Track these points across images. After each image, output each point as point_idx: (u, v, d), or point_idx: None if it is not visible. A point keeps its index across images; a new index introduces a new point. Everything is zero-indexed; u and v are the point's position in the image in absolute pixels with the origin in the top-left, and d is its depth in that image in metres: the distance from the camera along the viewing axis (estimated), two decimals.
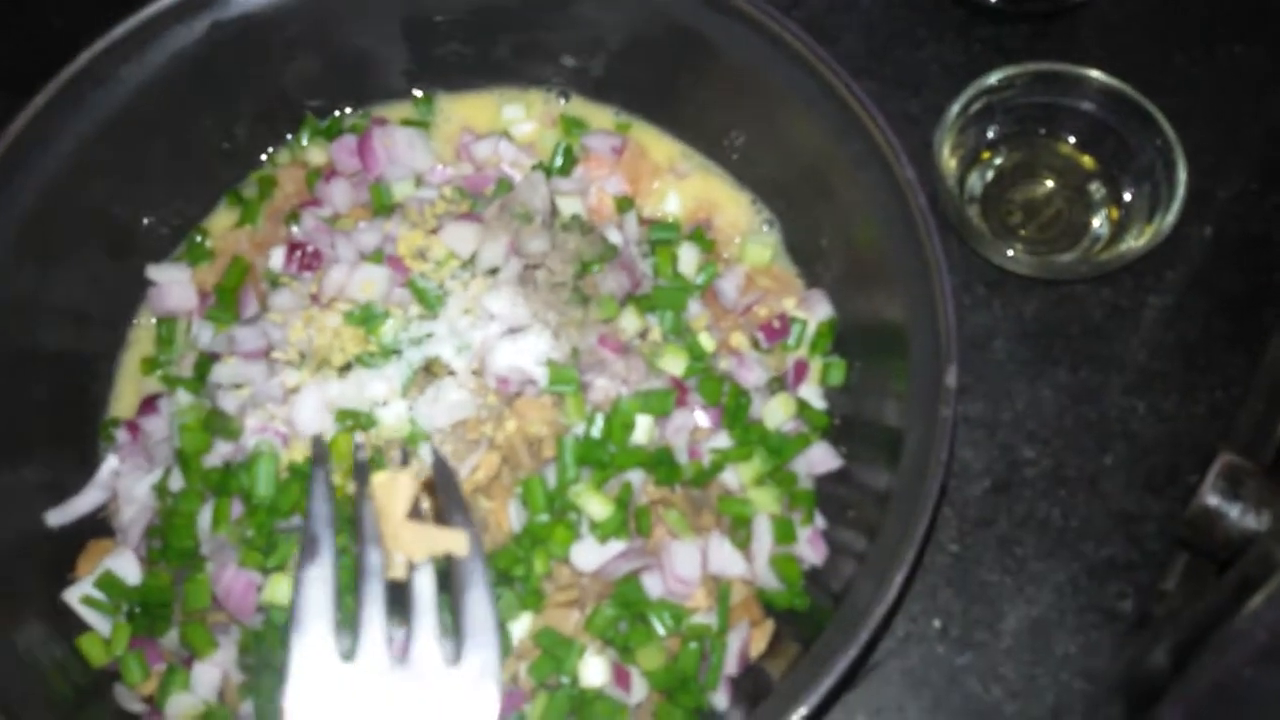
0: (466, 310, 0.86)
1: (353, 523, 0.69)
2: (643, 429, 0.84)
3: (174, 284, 0.96)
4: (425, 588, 0.66)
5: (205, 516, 0.81)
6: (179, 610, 0.82)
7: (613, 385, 0.85)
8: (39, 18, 1.17)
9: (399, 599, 0.66)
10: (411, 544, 0.65)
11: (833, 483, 0.91)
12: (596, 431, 0.82)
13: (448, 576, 0.67)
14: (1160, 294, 1.06)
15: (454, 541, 0.65)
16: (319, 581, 0.64)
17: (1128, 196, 1.07)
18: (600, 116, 1.05)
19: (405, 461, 0.79)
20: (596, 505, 0.80)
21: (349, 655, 0.64)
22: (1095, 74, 1.06)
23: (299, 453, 0.81)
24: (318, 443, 0.75)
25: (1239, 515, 0.63)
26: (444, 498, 0.70)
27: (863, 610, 0.74)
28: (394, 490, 0.65)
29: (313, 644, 0.63)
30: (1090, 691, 0.91)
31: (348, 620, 0.69)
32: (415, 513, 0.66)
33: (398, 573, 0.66)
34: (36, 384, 0.90)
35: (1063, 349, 1.04)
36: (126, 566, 0.84)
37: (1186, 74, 1.14)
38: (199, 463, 0.83)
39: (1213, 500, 0.64)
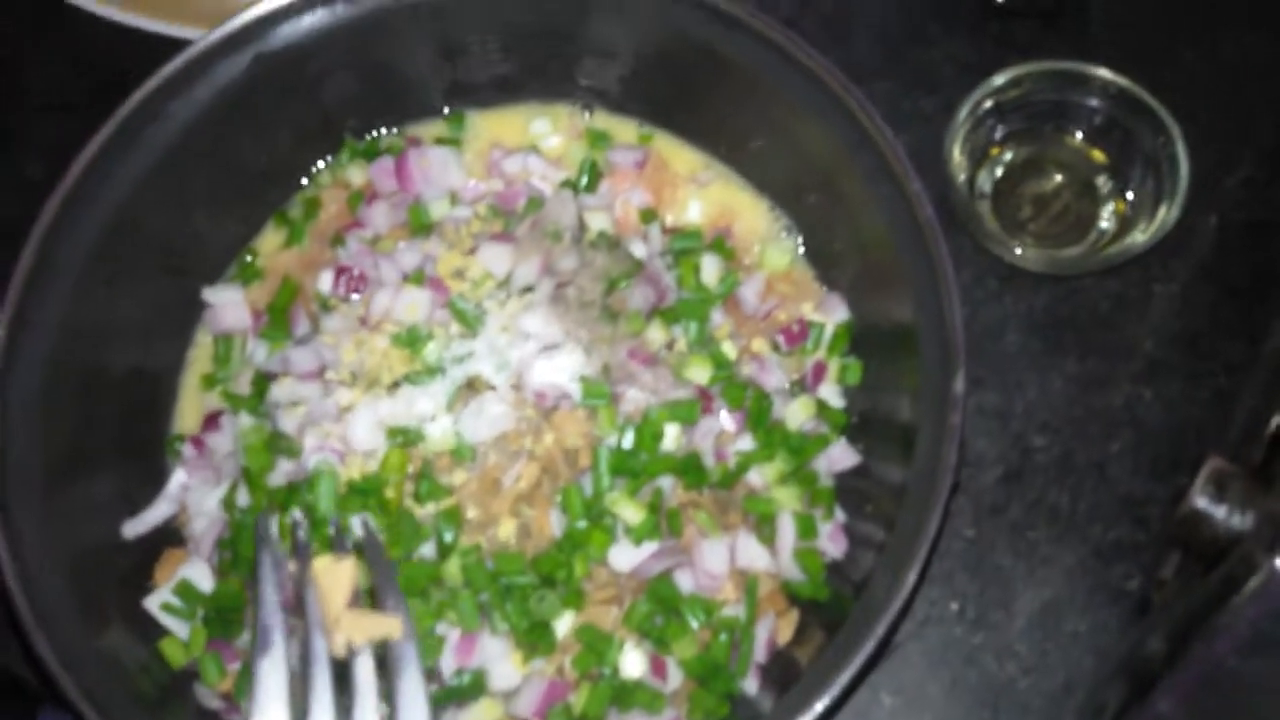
0: (504, 329, 0.92)
1: (299, 603, 0.75)
2: (671, 436, 0.90)
3: (228, 304, 1.02)
4: (365, 674, 0.72)
5: (272, 530, 0.88)
6: (250, 614, 0.89)
7: (642, 395, 0.91)
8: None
9: (344, 675, 0.72)
10: (350, 629, 0.72)
11: (852, 478, 0.96)
12: (628, 442, 0.88)
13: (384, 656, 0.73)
14: (1166, 283, 1.10)
15: (388, 627, 0.71)
16: (274, 671, 0.71)
17: (1134, 190, 1.11)
18: (624, 128, 1.10)
19: (339, 537, 0.84)
20: (630, 511, 0.86)
21: None
22: (1101, 71, 1.10)
23: (355, 468, 0.88)
24: (261, 522, 0.81)
25: (1225, 516, 0.68)
26: (377, 578, 0.75)
27: (882, 597, 0.80)
28: (335, 577, 0.71)
29: None
30: (1098, 667, 0.97)
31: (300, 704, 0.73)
32: (354, 599, 0.72)
33: (339, 652, 0.72)
34: (105, 402, 0.97)
35: (1072, 340, 1.08)
36: (200, 575, 0.90)
37: (1193, 66, 1.16)
38: (263, 480, 0.89)
39: (1200, 503, 0.68)
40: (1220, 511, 0.68)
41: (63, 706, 0.80)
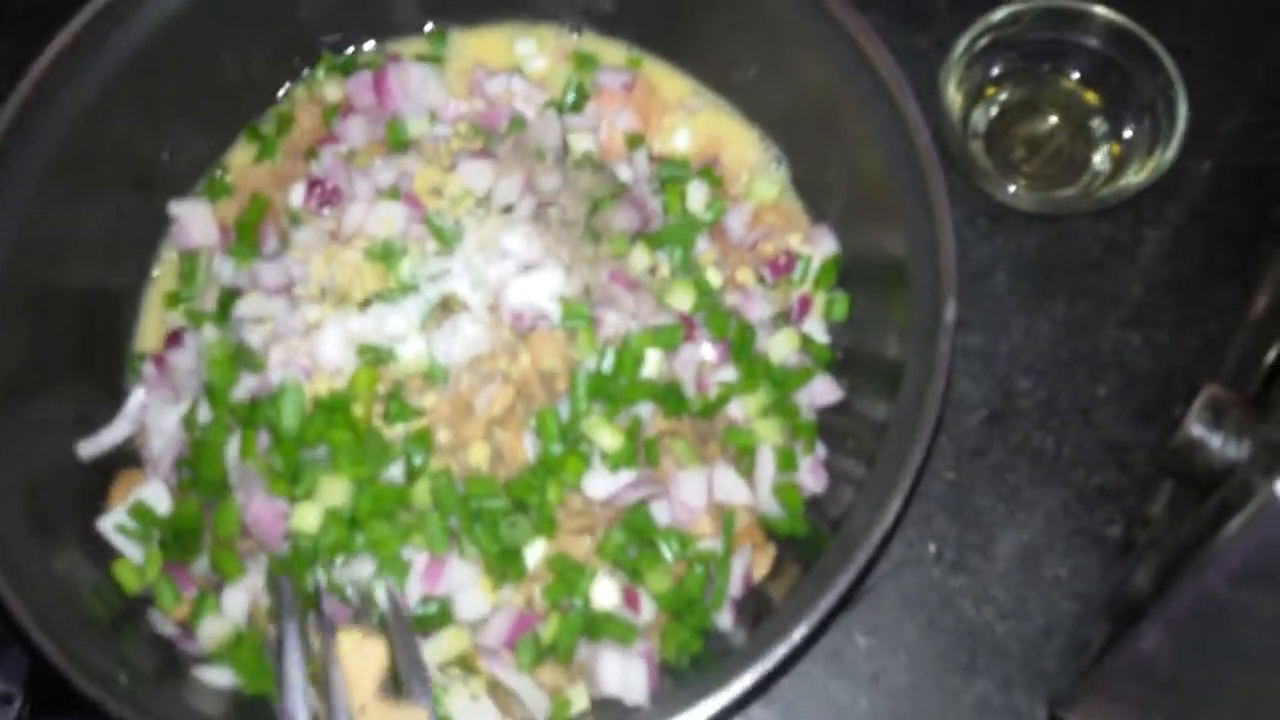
0: (481, 247, 0.89)
1: (320, 685, 0.68)
2: (652, 363, 0.87)
3: (195, 219, 0.99)
4: None
5: (233, 448, 0.85)
6: (209, 538, 0.86)
7: (623, 320, 0.88)
8: None
9: None
10: None
11: (834, 414, 0.94)
12: (607, 366, 0.85)
13: None
14: (1158, 228, 1.08)
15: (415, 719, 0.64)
16: None
17: (1129, 132, 1.08)
18: (612, 52, 1.06)
19: (363, 607, 0.76)
20: (607, 436, 0.83)
21: None
22: (1100, 10, 1.07)
23: (323, 385, 0.85)
24: (281, 585, 0.72)
25: (1221, 445, 0.66)
26: (404, 660, 0.68)
27: (860, 533, 0.78)
28: (364, 658, 0.64)
29: None
30: (1078, 612, 0.95)
31: None
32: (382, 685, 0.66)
33: None
34: (64, 319, 0.93)
35: (1061, 282, 1.06)
36: (157, 496, 0.87)
37: (1191, 7, 1.14)
38: (226, 396, 0.86)
39: (1196, 431, 0.67)
40: (1216, 440, 0.67)
41: (13, 632, 0.76)
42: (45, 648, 0.74)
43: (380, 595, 0.74)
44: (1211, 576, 0.64)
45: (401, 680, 0.67)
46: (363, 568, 0.80)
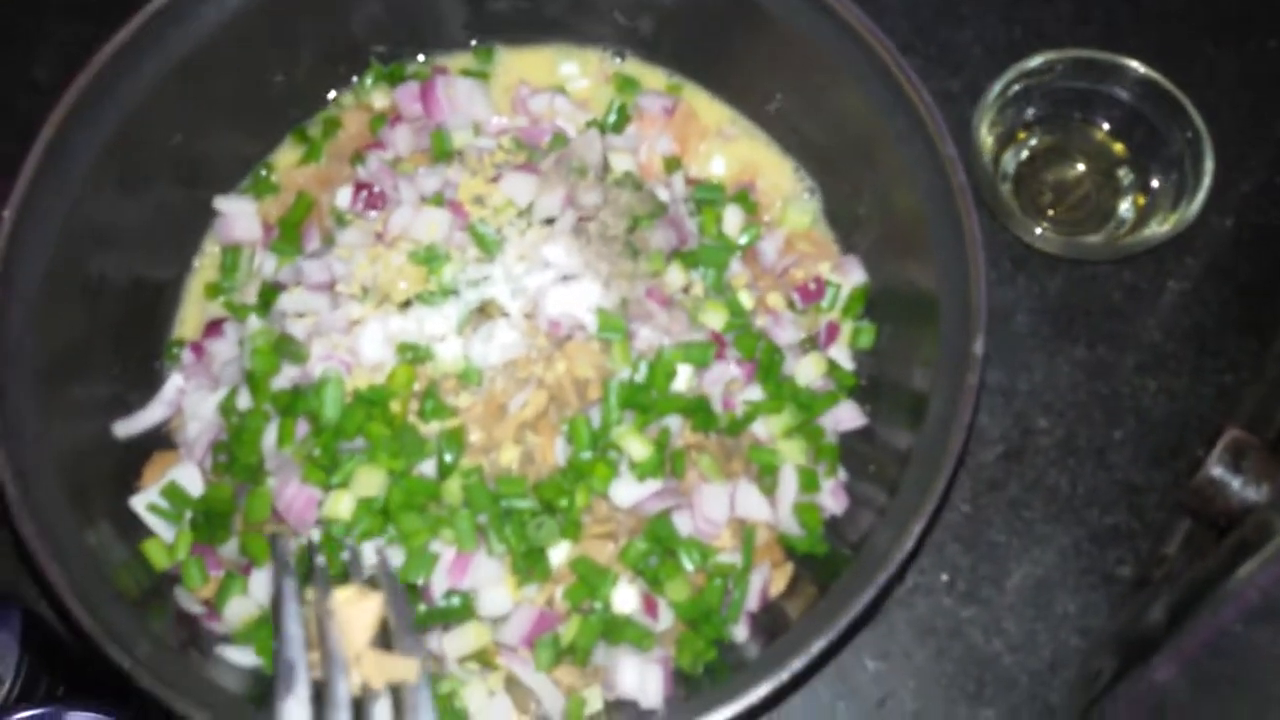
0: (522, 256, 0.91)
1: (319, 639, 0.70)
2: (683, 378, 0.89)
3: (239, 215, 1.01)
4: (383, 718, 0.68)
5: (270, 435, 0.86)
6: (239, 521, 0.87)
7: (656, 335, 0.90)
8: None
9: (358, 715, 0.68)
10: (370, 670, 0.68)
11: (856, 439, 0.96)
12: (640, 377, 0.87)
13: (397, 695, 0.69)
14: (1179, 279, 1.10)
15: (406, 670, 0.68)
16: (298, 713, 0.67)
17: (1155, 183, 1.11)
18: (653, 77, 1.09)
19: (354, 562, 0.78)
20: (637, 446, 0.85)
21: None
22: (1133, 64, 1.10)
23: (362, 380, 0.86)
24: (279, 545, 0.75)
25: (1240, 487, 0.68)
26: (394, 617, 0.71)
27: (882, 555, 0.80)
28: (359, 612, 0.67)
29: None
30: (1086, 648, 0.97)
31: None
32: (376, 636, 0.68)
33: (354, 691, 0.68)
34: (107, 304, 0.95)
35: (1082, 326, 1.08)
36: (189, 478, 0.89)
37: (1218, 66, 1.17)
38: (267, 384, 0.88)
39: (1217, 471, 0.68)
40: (1236, 481, 0.68)
41: (47, 597, 0.78)
42: (80, 615, 0.76)
43: (369, 553, 0.76)
44: (1228, 612, 0.65)
45: (392, 633, 0.70)
46: (392, 558, 0.82)
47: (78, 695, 0.80)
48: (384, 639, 0.72)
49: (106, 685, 0.78)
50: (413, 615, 0.75)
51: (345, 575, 0.78)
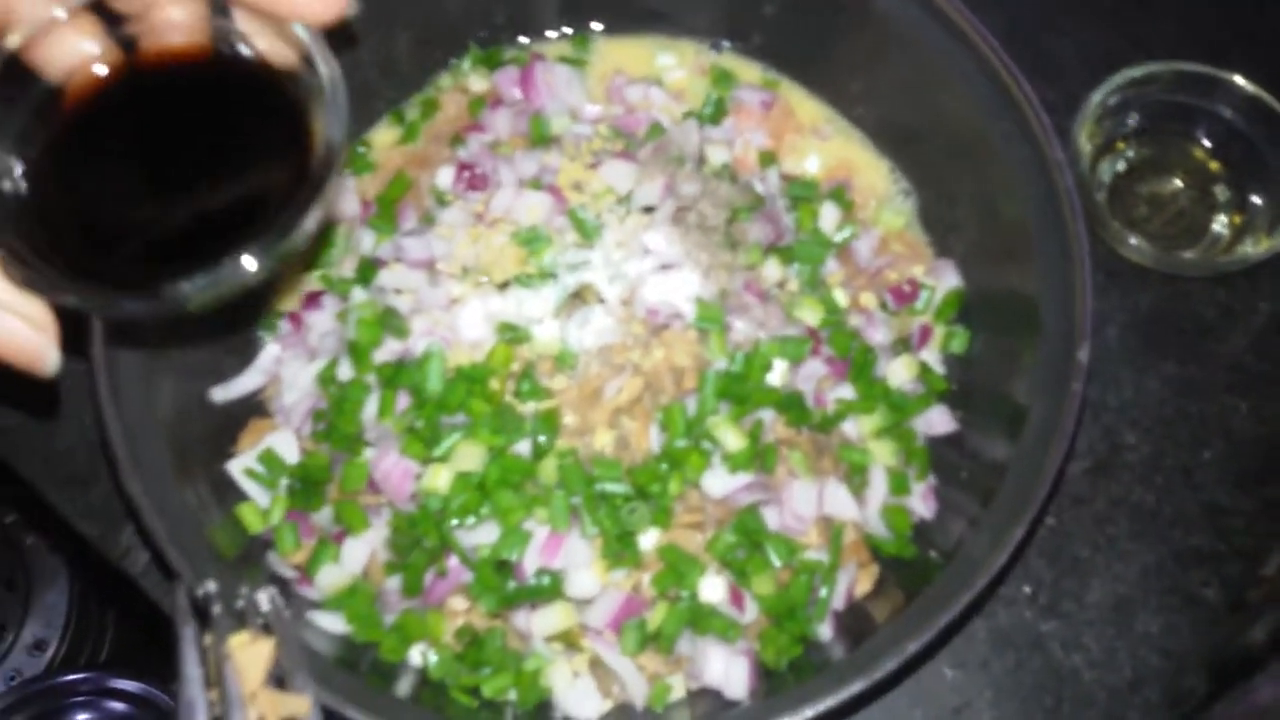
0: (620, 244, 0.91)
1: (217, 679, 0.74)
2: (778, 372, 0.89)
3: (338, 190, 1.02)
4: None
5: (370, 406, 0.87)
6: (334, 489, 0.88)
7: (751, 328, 0.90)
8: None
9: None
10: (265, 707, 0.71)
11: (944, 445, 0.95)
12: (736, 368, 0.87)
13: None
14: (1272, 300, 1.09)
15: (299, 705, 0.71)
16: None
17: (1255, 201, 1.09)
18: (749, 71, 1.09)
19: (249, 610, 0.80)
20: (732, 437, 0.85)
21: None
22: (1238, 80, 1.08)
23: (462, 357, 0.87)
24: (177, 594, 0.78)
25: None
26: (288, 658, 0.74)
27: (977, 563, 0.79)
28: (253, 655, 0.72)
29: None
30: (1167, 668, 0.95)
31: None
32: (269, 677, 0.72)
33: None
34: None
35: (1173, 343, 1.07)
36: (286, 445, 0.90)
37: None
38: (369, 356, 0.89)
39: None
40: None
41: (151, 550, 0.79)
42: (183, 570, 0.77)
43: (263, 601, 0.80)
44: None
45: (286, 673, 0.74)
46: (487, 533, 0.82)
47: (120, 664, 0.82)
48: (277, 680, 0.75)
49: (149, 656, 0.80)
50: (304, 657, 0.78)
51: (242, 621, 0.81)
